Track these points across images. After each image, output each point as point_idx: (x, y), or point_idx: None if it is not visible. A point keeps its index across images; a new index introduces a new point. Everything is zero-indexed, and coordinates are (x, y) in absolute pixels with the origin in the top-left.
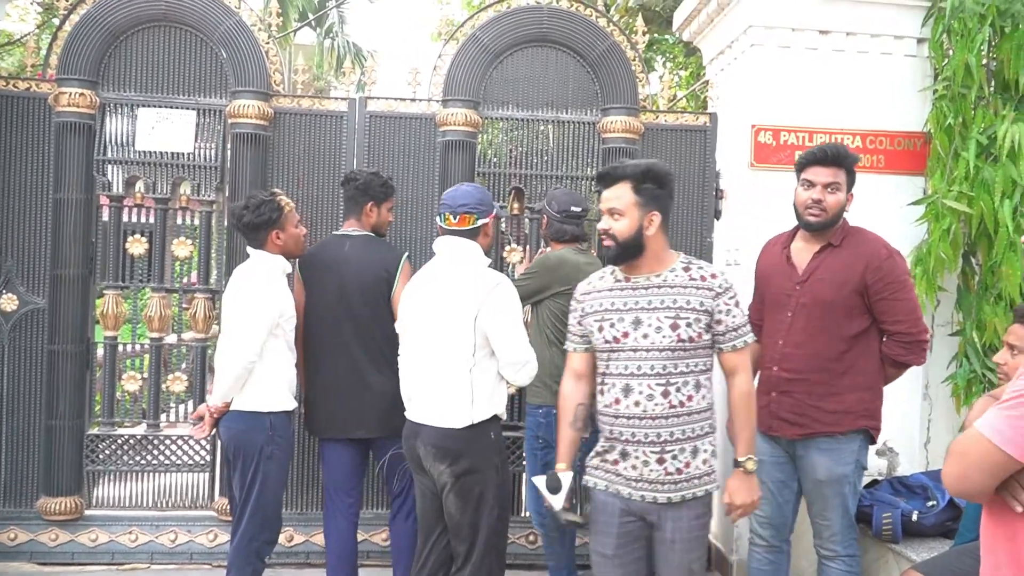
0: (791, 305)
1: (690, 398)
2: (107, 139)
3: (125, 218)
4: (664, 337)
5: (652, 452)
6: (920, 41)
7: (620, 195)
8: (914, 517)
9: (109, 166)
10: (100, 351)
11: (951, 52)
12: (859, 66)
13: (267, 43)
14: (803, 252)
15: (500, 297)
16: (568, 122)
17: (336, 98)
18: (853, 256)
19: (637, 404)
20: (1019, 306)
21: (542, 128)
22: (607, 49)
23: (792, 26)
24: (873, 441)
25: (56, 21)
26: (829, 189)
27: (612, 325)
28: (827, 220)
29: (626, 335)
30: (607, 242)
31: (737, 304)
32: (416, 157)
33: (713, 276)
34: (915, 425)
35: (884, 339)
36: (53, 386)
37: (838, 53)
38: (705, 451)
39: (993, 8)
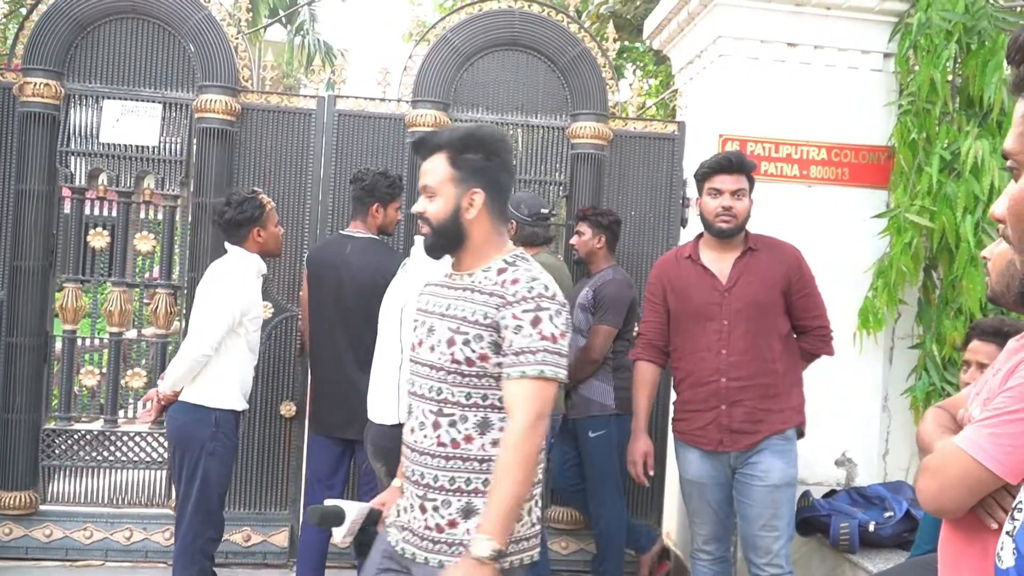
0: (723, 314)
1: (468, 439)
2: (71, 130)
3: (87, 211)
4: (440, 355)
5: (417, 495)
6: (887, 56)
7: (435, 168)
8: (871, 528)
9: (72, 158)
10: (59, 345)
11: (917, 68)
12: (826, 79)
13: (236, 38)
14: (719, 261)
15: None
16: (537, 127)
17: (305, 96)
18: (773, 258)
19: (412, 431)
20: (977, 322)
21: (511, 132)
22: (578, 55)
23: (761, 38)
24: (801, 435)
25: (24, 11)
26: (736, 196)
27: (415, 329)
28: (737, 226)
29: (420, 343)
30: (423, 228)
31: (538, 322)
32: (385, 157)
33: (515, 281)
34: (874, 436)
35: (797, 336)
36: (10, 379)
37: (805, 66)
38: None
39: (960, 25)
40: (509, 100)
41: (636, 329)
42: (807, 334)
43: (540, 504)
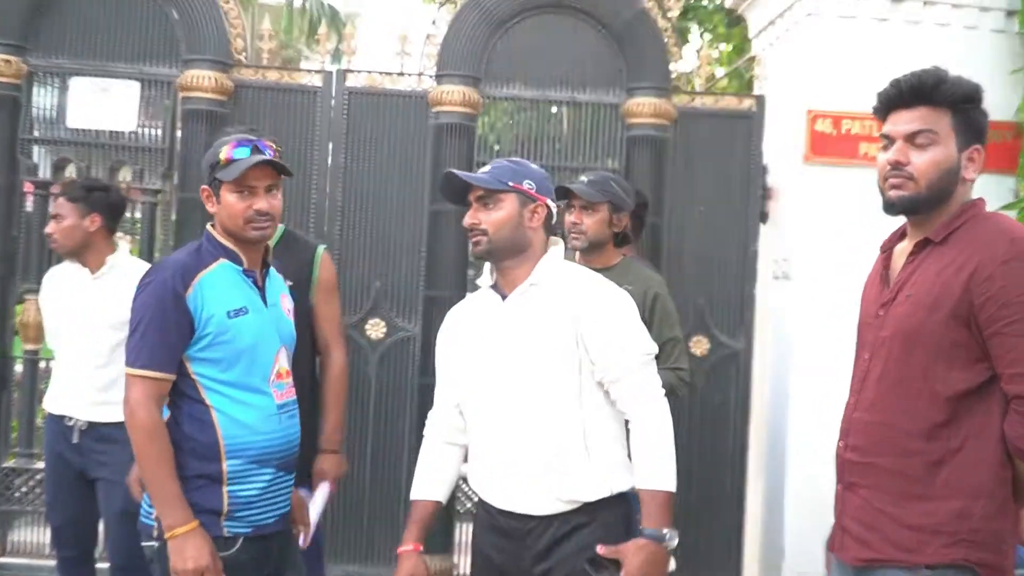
0: (871, 341)
1: None
2: (34, 114)
3: (52, 209)
4: None
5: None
6: (1010, 14)
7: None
8: None
9: (35, 146)
10: (19, 368)
11: None
12: (937, 41)
13: (227, 3)
14: (901, 256)
15: None
16: (586, 104)
17: (309, 70)
18: (959, 257)
19: None
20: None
21: (555, 110)
22: (634, 17)
23: None
24: None
25: None
26: (917, 141)
27: None
28: (917, 195)
29: None
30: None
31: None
32: (403, 143)
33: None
34: None
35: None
36: None
37: (912, 25)
38: None
39: None
40: (552, 72)
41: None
42: (1008, 405)
43: None
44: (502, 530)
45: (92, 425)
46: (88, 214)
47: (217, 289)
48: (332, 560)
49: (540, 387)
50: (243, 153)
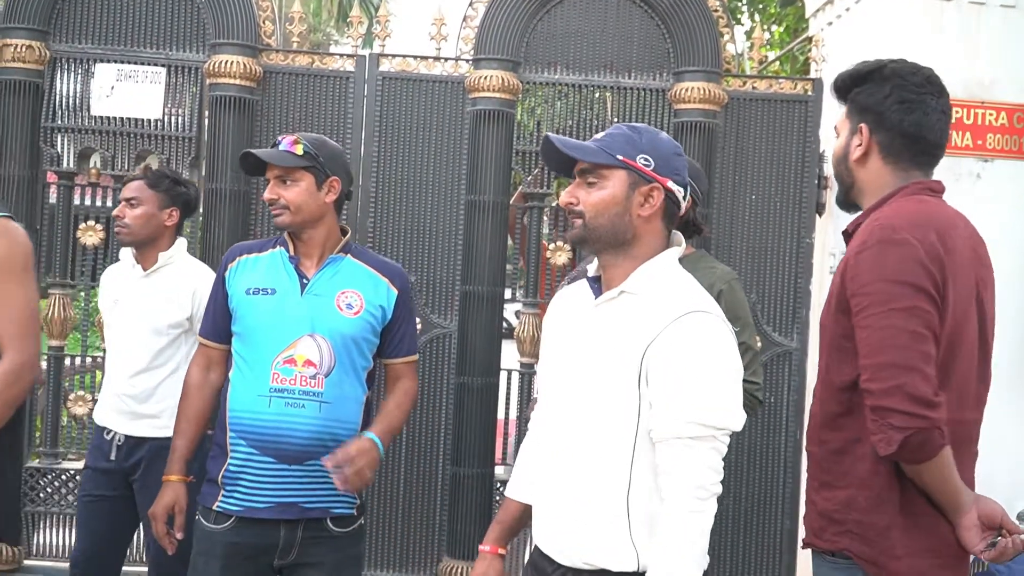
0: None
1: None
2: (57, 102)
3: (77, 200)
4: None
5: None
6: None
7: None
8: None
9: (59, 135)
10: (43, 365)
11: None
12: (1008, 20)
13: None
14: None
15: None
16: (631, 88)
17: (340, 55)
18: (858, 242)
19: None
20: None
21: (598, 96)
22: None
23: None
24: None
25: None
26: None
27: None
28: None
29: None
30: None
31: None
32: (439, 130)
33: None
34: None
35: None
36: None
37: (977, 7)
38: None
39: None
40: (595, 56)
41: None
42: None
43: None
44: (535, 564)
45: (129, 439)
46: (169, 207)
47: (251, 269)
48: (366, 567)
49: (594, 423)
50: (271, 147)
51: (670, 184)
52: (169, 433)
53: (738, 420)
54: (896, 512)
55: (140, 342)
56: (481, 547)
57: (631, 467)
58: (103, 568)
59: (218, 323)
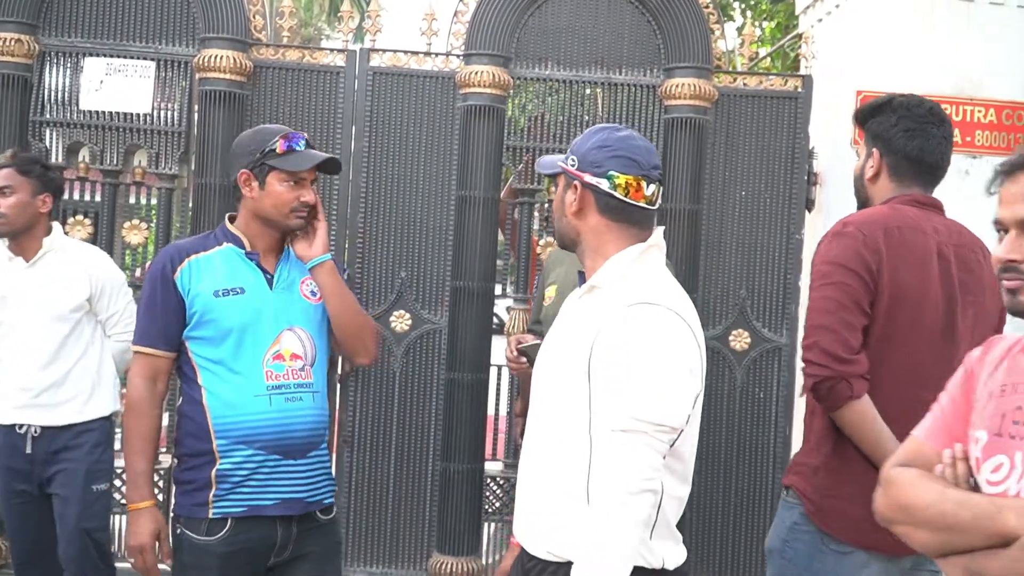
0: None
1: None
2: (46, 96)
3: (65, 195)
4: None
5: None
6: None
7: None
8: None
9: (47, 129)
10: None
11: None
12: (997, 16)
13: None
14: None
15: None
16: (622, 84)
17: (331, 49)
18: None
19: None
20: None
21: (589, 92)
22: None
23: None
24: (809, 519)
25: None
26: None
27: None
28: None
29: None
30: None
31: None
32: (430, 125)
33: None
34: None
35: None
36: None
37: (966, 3)
38: None
39: None
40: (586, 52)
41: None
42: None
43: None
44: (519, 556)
45: (45, 431)
46: (41, 192)
47: (209, 270)
48: (354, 562)
49: (554, 416)
50: (303, 146)
51: (587, 178)
52: (89, 416)
53: (678, 416)
54: (828, 455)
55: (43, 333)
56: (512, 540)
57: (589, 460)
58: (46, 566)
59: (170, 329)
